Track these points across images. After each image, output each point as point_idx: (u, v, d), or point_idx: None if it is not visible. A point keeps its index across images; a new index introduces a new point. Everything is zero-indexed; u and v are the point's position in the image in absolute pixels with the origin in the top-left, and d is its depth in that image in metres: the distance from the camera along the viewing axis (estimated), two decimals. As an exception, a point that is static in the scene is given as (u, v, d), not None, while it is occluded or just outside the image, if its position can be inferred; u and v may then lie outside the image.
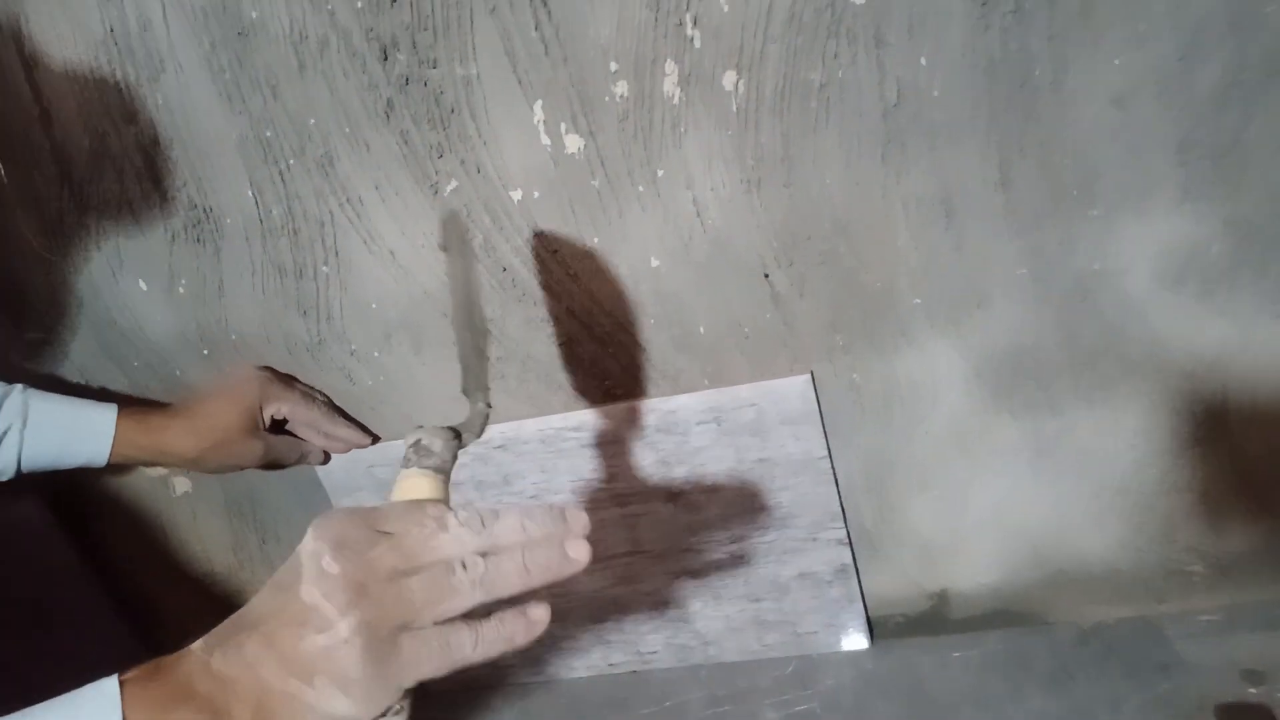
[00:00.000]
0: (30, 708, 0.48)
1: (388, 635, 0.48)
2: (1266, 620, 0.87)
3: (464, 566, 0.50)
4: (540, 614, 0.52)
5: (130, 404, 0.88)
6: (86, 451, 0.85)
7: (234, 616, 0.50)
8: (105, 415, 0.86)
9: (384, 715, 0.49)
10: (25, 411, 0.83)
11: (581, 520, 0.53)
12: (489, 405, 0.65)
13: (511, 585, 0.51)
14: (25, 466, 0.84)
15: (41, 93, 0.86)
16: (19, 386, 0.85)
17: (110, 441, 0.85)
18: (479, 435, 0.63)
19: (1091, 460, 0.86)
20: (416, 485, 0.56)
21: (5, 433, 0.83)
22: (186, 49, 0.81)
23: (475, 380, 0.66)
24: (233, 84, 0.81)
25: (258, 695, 0.47)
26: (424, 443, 0.57)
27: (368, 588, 0.48)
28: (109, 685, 0.47)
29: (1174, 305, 0.78)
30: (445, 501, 0.56)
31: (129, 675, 0.48)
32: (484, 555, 0.50)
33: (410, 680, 0.49)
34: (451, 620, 0.50)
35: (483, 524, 0.51)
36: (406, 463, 0.57)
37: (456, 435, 0.59)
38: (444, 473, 0.57)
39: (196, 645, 0.50)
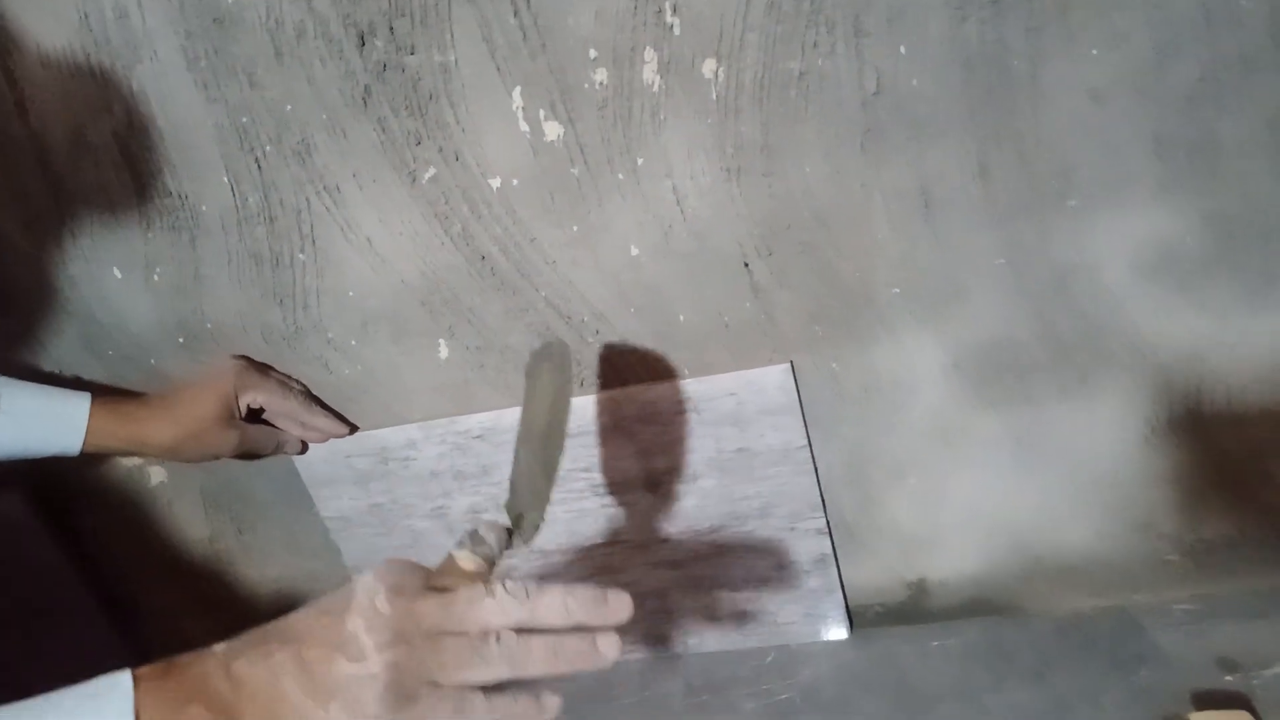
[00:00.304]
0: (38, 697, 0.48)
1: (411, 684, 0.50)
2: (1242, 609, 0.87)
3: (498, 639, 0.52)
4: (552, 704, 0.55)
5: (105, 393, 0.87)
6: (59, 440, 0.84)
7: (267, 626, 0.52)
8: (79, 404, 0.85)
9: None
10: None
11: (624, 604, 0.56)
12: (543, 520, 0.67)
13: (537, 668, 0.53)
14: None
15: (16, 82, 0.85)
16: None
17: (83, 430, 0.84)
18: (527, 545, 0.66)
19: (1069, 451, 0.86)
20: (466, 563, 0.59)
21: None
22: (163, 37, 0.80)
23: (538, 496, 0.68)
24: (209, 72, 0.81)
25: (272, 704, 0.49)
26: (480, 533, 0.61)
27: (409, 635, 0.50)
28: (123, 679, 0.48)
29: (1151, 298, 0.78)
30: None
31: (142, 671, 0.49)
32: (519, 631, 0.53)
33: None
34: (471, 686, 0.52)
35: (527, 596, 0.53)
36: (460, 546, 0.60)
37: (509, 534, 0.64)
38: (491, 562, 0.61)
39: (219, 647, 0.51)
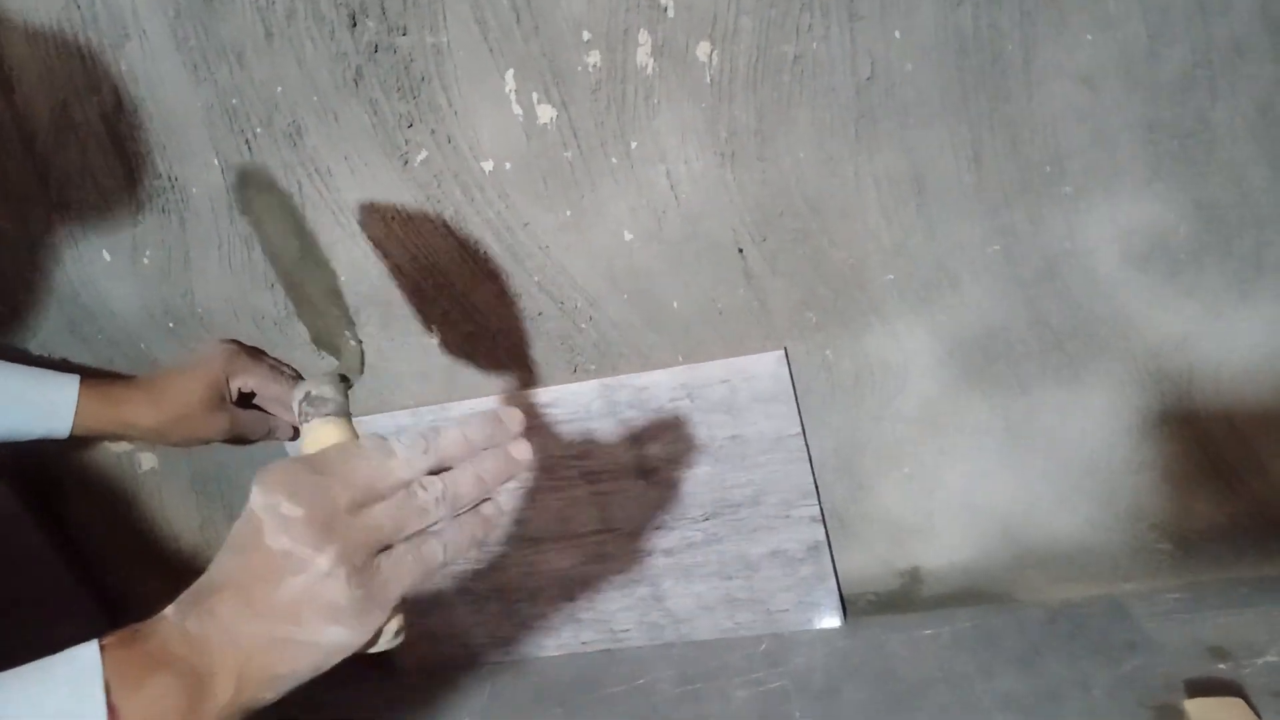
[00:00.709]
0: (5, 672, 0.47)
1: (364, 561, 0.49)
2: (1232, 598, 0.88)
3: (423, 487, 0.52)
4: (491, 509, 0.55)
5: (95, 376, 0.87)
6: (47, 423, 0.83)
7: (198, 583, 0.50)
8: (67, 386, 0.84)
9: (382, 638, 0.51)
10: None
11: (518, 418, 0.56)
12: (359, 340, 0.66)
13: (471, 496, 0.53)
14: None
15: (3, 60, 0.85)
16: None
17: (72, 413, 0.83)
18: (361, 372, 0.64)
19: (1060, 439, 0.86)
20: (326, 434, 0.56)
21: None
22: (152, 16, 0.79)
23: (337, 321, 0.66)
24: (198, 52, 0.80)
25: (238, 657, 0.48)
26: (315, 393, 0.58)
27: (333, 523, 0.49)
28: (88, 651, 0.47)
29: (1142, 285, 0.78)
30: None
31: (107, 640, 0.47)
32: (435, 473, 0.52)
33: (395, 596, 0.50)
34: (418, 534, 0.52)
35: (426, 444, 0.52)
36: (305, 418, 0.57)
37: (344, 378, 0.60)
38: (345, 415, 0.58)
39: (169, 611, 0.49)
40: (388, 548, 0.50)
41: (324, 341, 0.66)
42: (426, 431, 0.53)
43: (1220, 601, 0.88)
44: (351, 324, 0.66)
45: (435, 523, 0.52)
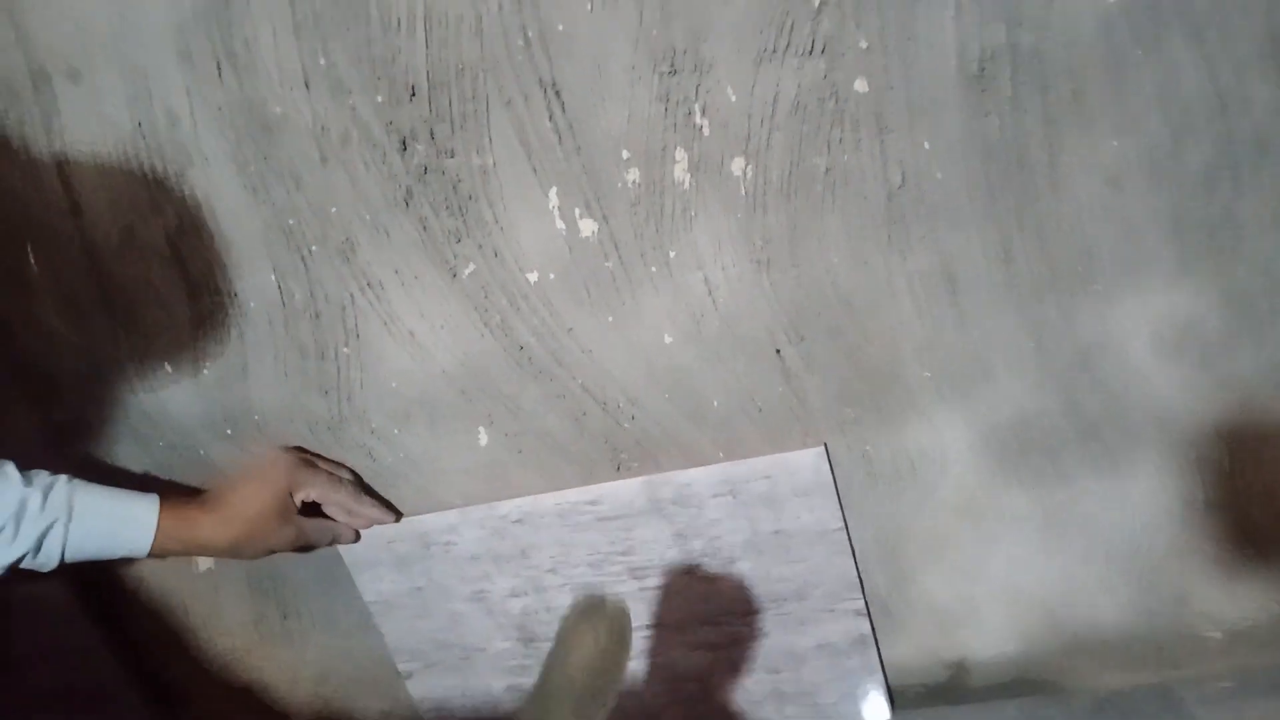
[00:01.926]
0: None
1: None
2: (1281, 685, 0.87)
3: None
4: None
5: (170, 493, 0.89)
6: (128, 545, 0.86)
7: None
8: (148, 509, 0.86)
9: None
10: (70, 504, 0.83)
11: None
12: None
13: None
14: (68, 558, 0.84)
15: (71, 184, 0.90)
16: (63, 478, 0.85)
17: (152, 536, 0.86)
18: None
19: (1101, 526, 0.87)
20: None
21: (51, 526, 0.82)
22: (213, 143, 0.84)
23: None
24: (257, 175, 0.84)
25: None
26: None
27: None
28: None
29: (1175, 375, 0.79)
30: None
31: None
32: None
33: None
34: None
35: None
36: None
37: None
38: None
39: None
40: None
41: None
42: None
43: (1271, 688, 0.87)
44: None
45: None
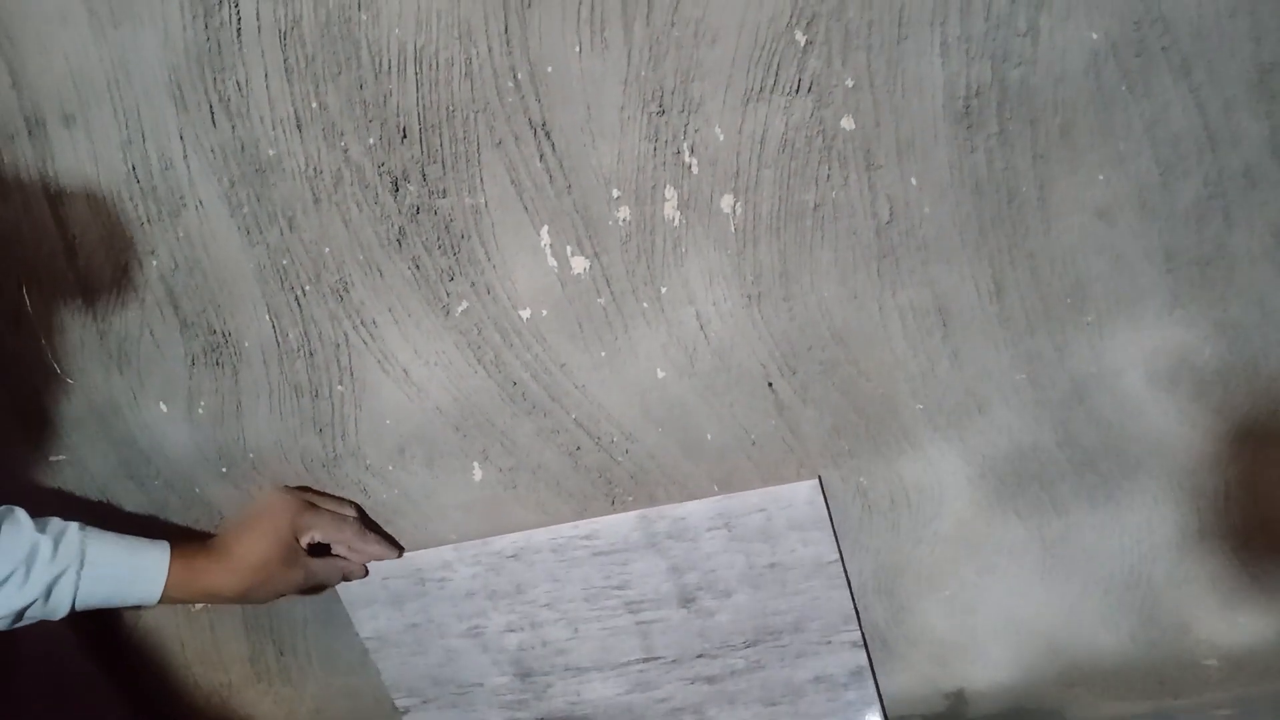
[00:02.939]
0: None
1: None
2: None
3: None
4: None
5: (178, 540, 0.89)
6: (138, 594, 0.85)
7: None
8: (159, 559, 0.86)
9: None
10: (82, 553, 0.83)
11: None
12: None
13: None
14: (79, 606, 0.84)
15: (66, 226, 0.90)
16: (75, 525, 0.84)
17: (162, 585, 0.85)
18: None
19: (1099, 556, 0.86)
20: None
21: (62, 574, 0.82)
22: (207, 185, 0.85)
23: None
24: (251, 217, 0.85)
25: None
26: None
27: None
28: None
29: (1170, 406, 0.79)
30: None
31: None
32: None
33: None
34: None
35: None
36: None
37: None
38: None
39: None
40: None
41: None
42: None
43: (1272, 715, 0.87)
44: None
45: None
